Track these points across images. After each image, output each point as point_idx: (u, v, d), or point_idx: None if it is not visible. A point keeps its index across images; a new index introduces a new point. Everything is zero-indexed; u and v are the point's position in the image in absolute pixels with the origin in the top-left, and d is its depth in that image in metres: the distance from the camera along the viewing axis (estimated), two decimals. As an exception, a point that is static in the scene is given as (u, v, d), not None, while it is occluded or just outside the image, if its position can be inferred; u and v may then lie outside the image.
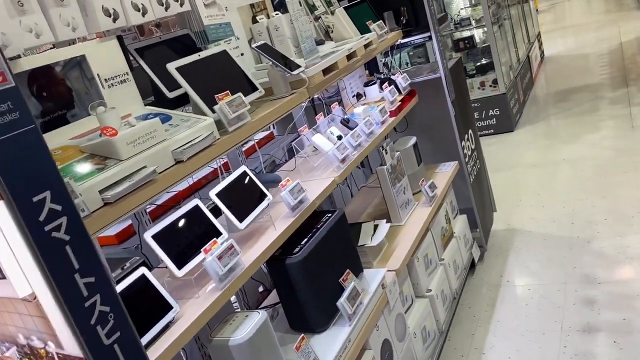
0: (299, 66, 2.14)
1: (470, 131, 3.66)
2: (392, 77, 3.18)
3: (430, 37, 3.32)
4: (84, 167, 1.38)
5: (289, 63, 2.14)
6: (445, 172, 3.27)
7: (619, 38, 8.67)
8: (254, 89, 2.03)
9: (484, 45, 6.06)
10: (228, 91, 1.78)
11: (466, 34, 6.17)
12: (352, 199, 3.39)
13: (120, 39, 1.78)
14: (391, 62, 3.44)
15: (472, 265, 3.53)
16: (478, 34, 6.25)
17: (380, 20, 3.00)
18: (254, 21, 2.63)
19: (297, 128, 2.84)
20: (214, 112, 1.74)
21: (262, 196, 1.95)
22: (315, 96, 3.08)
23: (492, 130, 6.01)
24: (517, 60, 6.81)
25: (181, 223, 1.66)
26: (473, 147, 3.68)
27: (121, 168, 1.38)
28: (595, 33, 9.65)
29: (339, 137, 2.48)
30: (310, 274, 1.92)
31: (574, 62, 8.09)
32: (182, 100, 1.93)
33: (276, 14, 2.55)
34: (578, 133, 5.32)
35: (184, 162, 1.53)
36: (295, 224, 1.95)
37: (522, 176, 4.77)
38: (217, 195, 1.78)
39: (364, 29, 2.97)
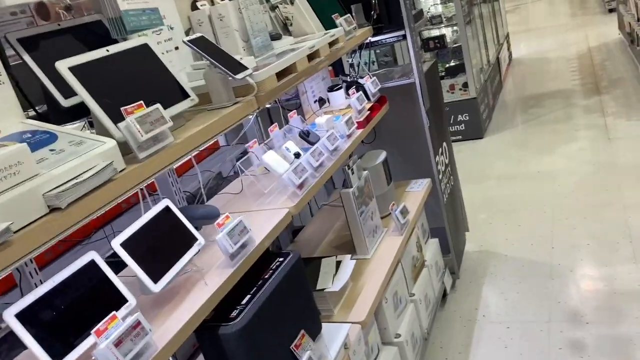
0: (246, 68, 1.67)
1: (444, 144, 3.25)
2: (360, 80, 2.74)
3: (404, 36, 2.89)
4: None
5: (233, 63, 1.67)
6: (417, 192, 2.85)
7: (587, 42, 8.49)
8: (186, 96, 1.55)
9: (454, 45, 5.69)
10: (142, 102, 1.29)
11: (435, 32, 5.80)
12: (311, 219, 2.94)
13: (-11, 24, 1.28)
14: (359, 63, 3.00)
15: (443, 295, 3.14)
16: (448, 33, 5.89)
17: (349, 14, 2.54)
18: (194, 8, 2.14)
19: (247, 139, 2.37)
20: (122, 130, 1.26)
21: (191, 240, 1.47)
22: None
23: (461, 137, 5.66)
24: (487, 62, 6.49)
25: (65, 291, 1.17)
26: (447, 161, 3.28)
27: (-50, 227, 0.89)
28: (562, 36, 9.47)
29: (297, 155, 2.03)
30: (253, 345, 1.46)
31: (542, 66, 7.85)
32: (83, 111, 1.44)
33: (222, 0, 2.08)
34: (552, 143, 5.02)
35: (63, 210, 1.04)
36: (234, 276, 1.48)
37: (495, 190, 4.42)
38: (124, 245, 1.30)
39: (328, 24, 2.51)
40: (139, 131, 1.22)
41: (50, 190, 1.04)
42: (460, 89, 5.52)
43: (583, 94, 6.16)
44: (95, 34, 1.65)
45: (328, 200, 3.14)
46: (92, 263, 1.24)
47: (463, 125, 5.61)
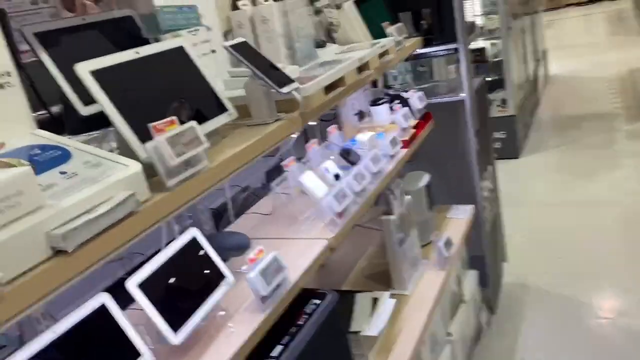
0: (291, 80, 1.46)
1: (489, 168, 3.02)
2: (405, 95, 2.51)
3: (455, 50, 2.66)
4: None
5: (277, 74, 1.46)
6: (459, 220, 2.62)
7: (628, 64, 8.14)
8: (222, 109, 1.35)
9: (495, 59, 5.43)
10: (174, 117, 1.08)
11: (474, 45, 5.54)
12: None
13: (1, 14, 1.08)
14: (404, 76, 2.78)
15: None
16: (487, 46, 5.63)
17: (401, 23, 2.32)
18: (235, 7, 1.93)
19: (282, 157, 2.15)
20: (148, 149, 1.05)
21: (218, 278, 1.26)
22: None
23: (496, 155, 5.38)
24: (526, 79, 6.21)
25: (68, 342, 0.96)
26: (492, 186, 3.04)
27: None
28: (601, 56, 9.12)
29: (337, 177, 1.81)
30: (282, 408, 1.24)
31: (580, 85, 7.53)
32: (105, 121, 1.23)
33: (266, 1, 1.87)
34: (594, 169, 4.73)
35: (70, 254, 0.84)
36: (265, 323, 1.27)
37: (533, 216, 4.15)
38: (142, 286, 1.09)
39: (376, 32, 2.29)
40: (170, 154, 1.01)
41: (56, 228, 0.83)
42: (499, 106, 5.27)
43: (626, 118, 5.85)
44: (124, 32, 1.45)
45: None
46: (103, 309, 1.04)
47: (499, 143, 5.35)
